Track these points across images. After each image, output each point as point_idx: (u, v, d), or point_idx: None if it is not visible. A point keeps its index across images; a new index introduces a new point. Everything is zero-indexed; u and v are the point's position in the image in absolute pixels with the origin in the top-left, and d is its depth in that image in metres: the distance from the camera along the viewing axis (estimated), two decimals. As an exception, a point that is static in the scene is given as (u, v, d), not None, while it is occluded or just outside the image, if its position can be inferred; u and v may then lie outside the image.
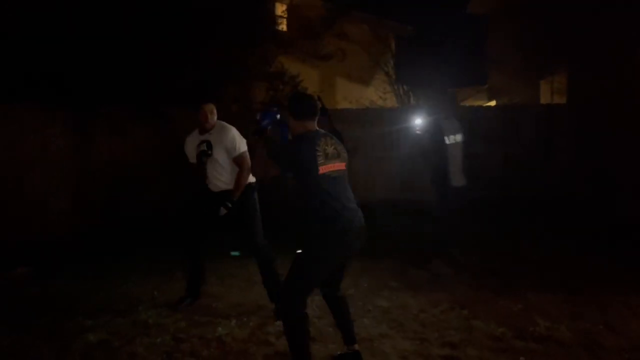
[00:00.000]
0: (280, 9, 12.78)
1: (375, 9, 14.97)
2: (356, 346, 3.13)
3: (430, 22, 17.41)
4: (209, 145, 4.17)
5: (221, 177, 4.18)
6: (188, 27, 8.27)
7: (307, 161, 2.78)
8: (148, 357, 3.32)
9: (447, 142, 5.13)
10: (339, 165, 2.93)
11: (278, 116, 3.22)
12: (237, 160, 4.12)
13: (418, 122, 5.41)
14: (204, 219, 4.22)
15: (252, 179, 4.18)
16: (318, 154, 2.82)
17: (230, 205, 4.02)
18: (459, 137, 5.28)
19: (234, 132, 4.22)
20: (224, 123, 4.31)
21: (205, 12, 8.67)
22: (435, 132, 5.18)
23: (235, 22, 9.31)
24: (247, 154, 4.12)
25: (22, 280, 5.00)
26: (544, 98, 11.21)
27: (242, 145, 4.16)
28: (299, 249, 2.85)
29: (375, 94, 15.51)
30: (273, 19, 12.13)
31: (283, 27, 12.76)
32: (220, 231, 4.27)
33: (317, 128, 2.99)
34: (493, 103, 15.09)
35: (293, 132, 2.98)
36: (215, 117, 4.30)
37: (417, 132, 5.38)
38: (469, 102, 17.62)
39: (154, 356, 3.33)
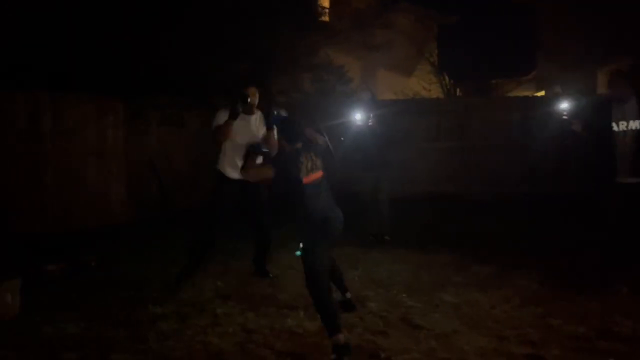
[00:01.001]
0: (325, 1, 12.70)
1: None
2: (348, 294, 3.88)
3: (476, 10, 16.92)
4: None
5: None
6: (238, 19, 8.28)
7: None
8: (222, 347, 3.33)
9: (616, 129, 4.17)
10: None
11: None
12: None
13: (564, 106, 4.70)
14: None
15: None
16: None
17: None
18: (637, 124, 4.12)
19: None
20: None
21: (253, 2, 8.66)
22: (604, 117, 4.25)
23: (283, 12, 9.27)
24: None
25: (87, 268, 5.11)
26: (602, 88, 10.76)
27: None
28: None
29: (419, 84, 15.27)
30: (318, 10, 12.06)
31: (326, 18, 12.67)
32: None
33: None
34: (542, 93, 14.61)
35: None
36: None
37: (564, 117, 4.68)
38: (515, 93, 17.12)
39: (229, 346, 3.33)
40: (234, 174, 4.39)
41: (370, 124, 5.72)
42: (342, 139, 6.13)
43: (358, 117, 5.75)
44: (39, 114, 6.34)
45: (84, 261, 5.22)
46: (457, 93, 15.43)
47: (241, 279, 4.76)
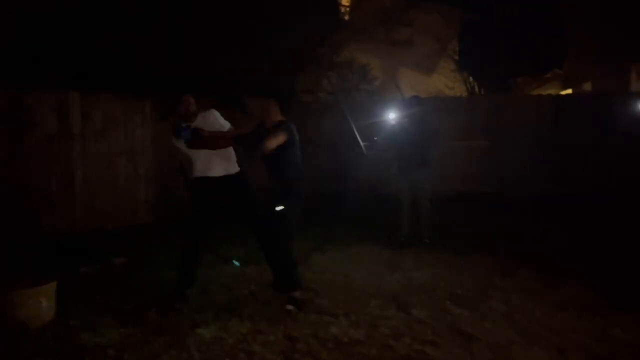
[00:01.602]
0: (345, -1, 12.55)
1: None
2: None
3: (499, 7, 16.57)
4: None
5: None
6: (267, 19, 8.17)
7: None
8: (266, 356, 3.19)
9: None
10: None
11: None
12: None
13: None
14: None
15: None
16: None
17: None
18: None
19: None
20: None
21: (277, 3, 8.54)
22: None
23: (307, 12, 9.14)
24: None
25: (121, 270, 5.02)
26: (636, 85, 10.44)
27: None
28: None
29: (441, 82, 15.03)
30: (340, 9, 11.92)
31: (346, 16, 12.51)
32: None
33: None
34: (569, 91, 14.27)
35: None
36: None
37: None
38: (539, 91, 16.78)
39: (273, 355, 3.20)
40: (215, 171, 4.22)
41: (405, 122, 5.54)
42: (375, 138, 5.98)
43: (392, 115, 5.59)
44: (68, 114, 6.28)
45: (115, 263, 5.14)
46: (480, 91, 15.16)
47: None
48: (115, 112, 6.74)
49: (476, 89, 14.57)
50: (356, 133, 5.57)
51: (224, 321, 3.73)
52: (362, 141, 5.62)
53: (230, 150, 4.29)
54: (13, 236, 5.87)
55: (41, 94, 6.08)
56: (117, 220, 6.62)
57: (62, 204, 6.28)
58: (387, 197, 8.09)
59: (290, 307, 3.82)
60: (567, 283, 4.37)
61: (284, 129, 3.93)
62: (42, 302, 3.64)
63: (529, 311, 3.79)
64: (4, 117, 5.83)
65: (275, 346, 3.33)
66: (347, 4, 12.64)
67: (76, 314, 3.84)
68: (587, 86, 12.39)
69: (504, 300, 4.05)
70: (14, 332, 3.49)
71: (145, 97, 7.02)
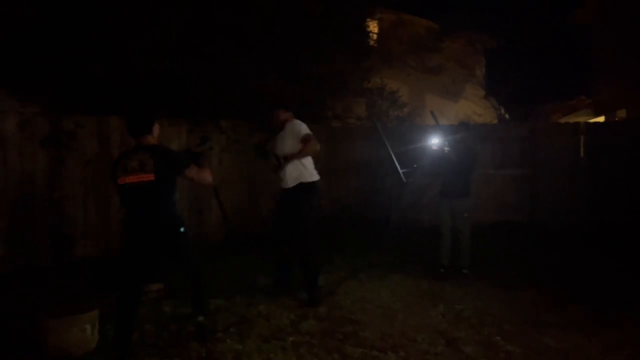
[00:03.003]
0: (373, 26, 12.63)
1: (471, 22, 14.46)
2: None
3: (527, 33, 16.51)
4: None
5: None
6: (298, 44, 8.23)
7: None
8: (316, 392, 3.08)
9: None
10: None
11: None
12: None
13: None
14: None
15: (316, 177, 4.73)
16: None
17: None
18: None
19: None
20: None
21: (312, 29, 8.61)
22: None
23: (338, 37, 9.20)
24: None
25: (156, 296, 4.97)
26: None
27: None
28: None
29: (469, 109, 14.96)
30: (370, 35, 11.99)
31: (375, 44, 12.59)
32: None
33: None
34: (601, 119, 14.03)
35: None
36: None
37: None
38: (568, 119, 16.56)
39: (322, 392, 3.09)
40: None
41: (446, 149, 5.46)
42: (415, 165, 5.91)
43: (435, 142, 5.51)
44: (108, 139, 6.33)
45: (152, 289, 5.10)
46: (509, 118, 15.03)
47: (316, 312, 4.51)
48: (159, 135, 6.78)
49: (506, 116, 14.44)
50: (394, 159, 5.49)
51: (267, 353, 3.65)
52: (401, 168, 5.53)
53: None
54: (50, 261, 5.90)
55: (82, 118, 6.16)
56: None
57: (97, 228, 6.29)
58: (422, 225, 8.00)
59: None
60: (619, 319, 4.18)
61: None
62: (86, 330, 3.61)
63: (583, 349, 3.63)
64: (45, 141, 5.91)
65: (323, 382, 3.22)
66: (375, 30, 12.74)
67: (117, 342, 3.78)
68: (622, 113, 12.15)
69: (556, 337, 3.88)
70: (57, 361, 3.45)
71: (181, 122, 7.07)
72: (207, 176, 3.73)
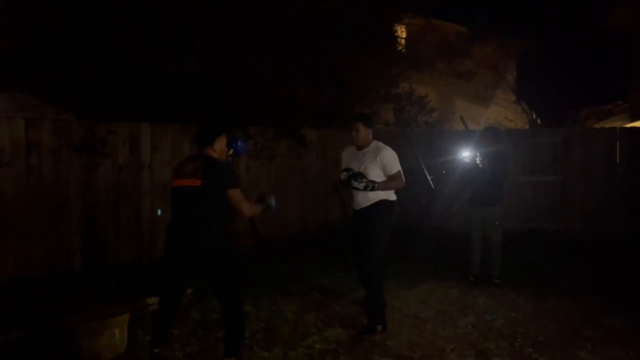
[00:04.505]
0: (401, 31, 12.57)
1: (502, 26, 14.23)
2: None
3: (559, 37, 16.14)
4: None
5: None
6: (325, 50, 8.23)
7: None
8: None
9: None
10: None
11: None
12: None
13: None
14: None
15: (393, 196, 4.33)
16: None
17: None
18: None
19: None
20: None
21: (339, 35, 8.60)
22: None
23: (367, 43, 9.17)
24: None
25: (186, 301, 5.00)
26: None
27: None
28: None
29: (500, 114, 14.70)
30: (399, 41, 11.94)
31: (403, 49, 12.51)
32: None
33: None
34: (638, 124, 13.56)
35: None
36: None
37: None
38: (603, 124, 16.08)
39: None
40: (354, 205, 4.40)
41: (478, 161, 5.33)
42: (443, 172, 5.82)
43: (466, 155, 5.39)
44: (139, 145, 6.45)
45: (186, 296, 5.13)
46: (541, 123, 14.72)
47: (343, 320, 4.47)
48: (181, 143, 6.84)
49: (538, 121, 14.14)
50: (423, 166, 5.41)
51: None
52: (429, 174, 5.45)
53: None
54: (82, 266, 6.03)
55: (114, 124, 6.29)
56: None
57: (129, 235, 6.40)
58: (452, 233, 7.84)
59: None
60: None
61: None
62: (115, 334, 3.65)
63: (623, 364, 3.49)
64: (79, 148, 6.06)
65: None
66: (404, 36, 12.67)
67: (146, 347, 3.81)
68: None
69: (593, 351, 3.75)
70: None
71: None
72: (247, 207, 3.59)
